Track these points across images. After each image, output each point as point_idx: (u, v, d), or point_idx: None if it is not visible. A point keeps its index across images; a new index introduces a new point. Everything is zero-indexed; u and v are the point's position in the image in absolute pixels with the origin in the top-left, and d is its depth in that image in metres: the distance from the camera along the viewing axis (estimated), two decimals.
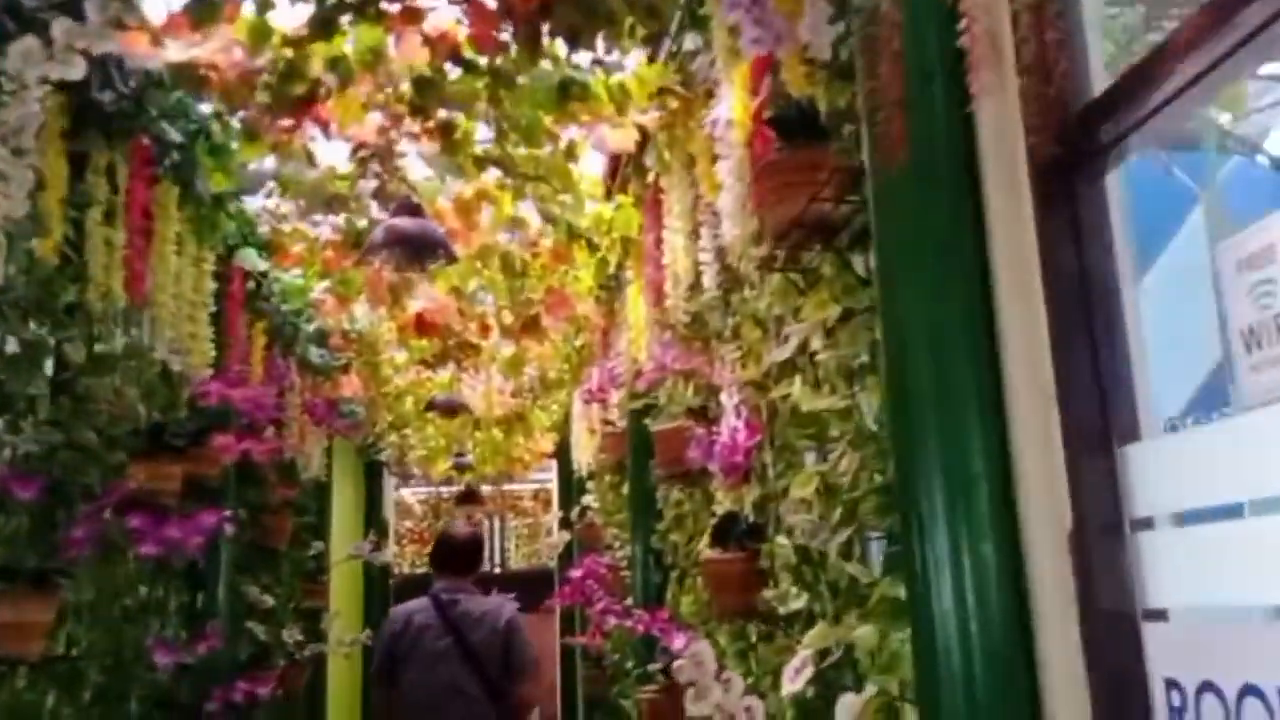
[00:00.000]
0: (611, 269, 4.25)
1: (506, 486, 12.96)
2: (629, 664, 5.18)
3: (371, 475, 10.04)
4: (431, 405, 5.88)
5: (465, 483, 10.61)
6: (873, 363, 1.87)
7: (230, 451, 3.46)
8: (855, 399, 1.92)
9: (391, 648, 4.30)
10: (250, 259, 3.94)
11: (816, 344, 2.09)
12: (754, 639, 2.80)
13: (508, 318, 4.63)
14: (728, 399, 2.74)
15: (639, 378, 3.73)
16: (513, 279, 4.24)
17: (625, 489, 5.16)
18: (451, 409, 5.90)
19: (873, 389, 1.86)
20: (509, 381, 5.97)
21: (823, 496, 2.10)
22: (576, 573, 5.16)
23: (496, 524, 16.52)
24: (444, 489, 14.15)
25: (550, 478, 13.89)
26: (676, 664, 2.51)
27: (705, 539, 2.98)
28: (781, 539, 2.38)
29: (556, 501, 10.93)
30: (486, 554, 16.57)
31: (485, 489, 12.24)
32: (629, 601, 4.84)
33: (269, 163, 3.37)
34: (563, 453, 9.91)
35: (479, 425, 6.91)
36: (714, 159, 2.33)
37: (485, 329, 4.75)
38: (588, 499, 6.50)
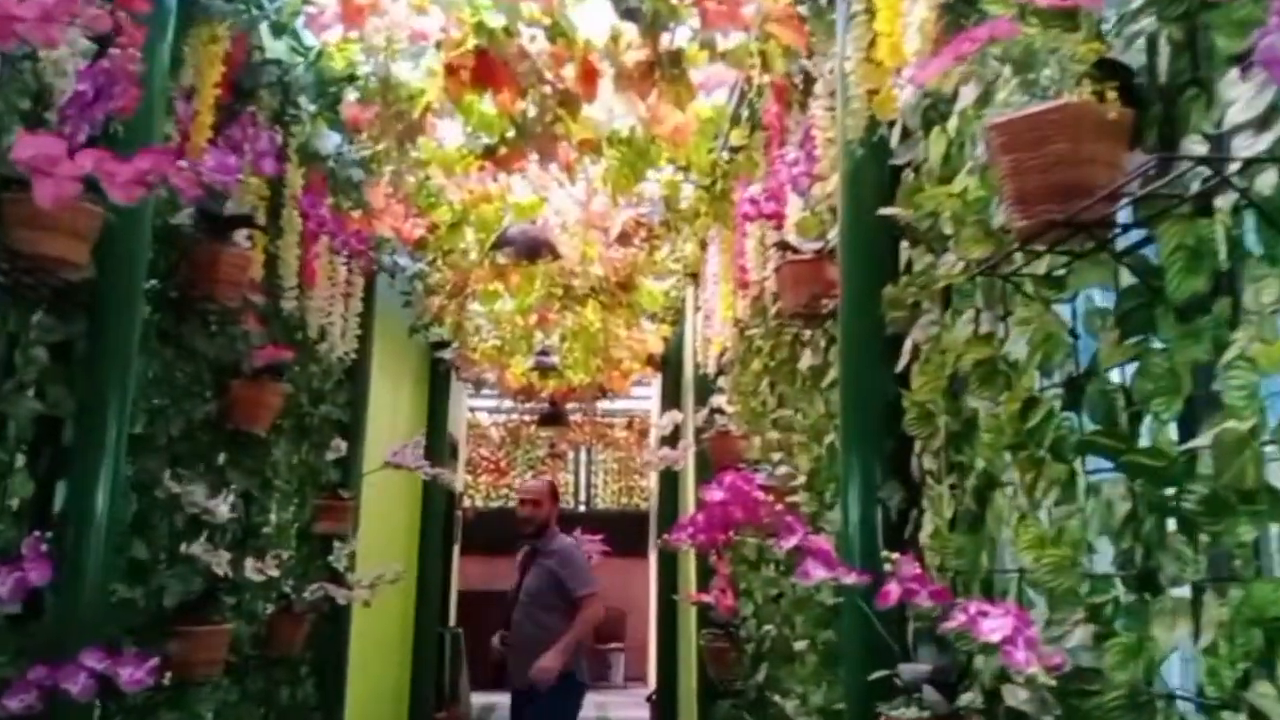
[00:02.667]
0: None
1: (600, 409, 11.08)
2: (797, 638, 3.24)
3: (436, 380, 8.22)
4: (502, 242, 3.96)
5: (550, 396, 8.76)
6: None
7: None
8: None
9: None
10: None
11: None
12: None
13: (627, 52, 2.65)
14: None
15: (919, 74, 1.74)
16: None
17: (809, 363, 3.17)
18: (532, 249, 3.99)
19: None
20: (615, 211, 4.01)
21: None
22: (714, 494, 3.19)
23: (583, 456, 14.75)
24: (522, 411, 12.36)
25: (648, 401, 11.95)
26: None
27: None
28: None
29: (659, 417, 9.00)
30: (571, 491, 14.92)
31: (573, 415, 10.39)
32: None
33: None
34: (670, 359, 7.96)
35: (569, 294, 4.97)
36: None
37: (589, 74, 2.77)
38: (718, 401, 4.53)
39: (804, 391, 3.28)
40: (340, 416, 4.83)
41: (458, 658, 10.19)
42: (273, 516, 3.98)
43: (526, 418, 12.23)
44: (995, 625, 1.56)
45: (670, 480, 8.55)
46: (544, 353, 6.82)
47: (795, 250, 2.89)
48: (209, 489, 3.02)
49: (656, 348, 6.76)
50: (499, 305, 5.57)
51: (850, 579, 1.99)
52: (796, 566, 3.09)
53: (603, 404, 10.58)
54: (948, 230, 2.03)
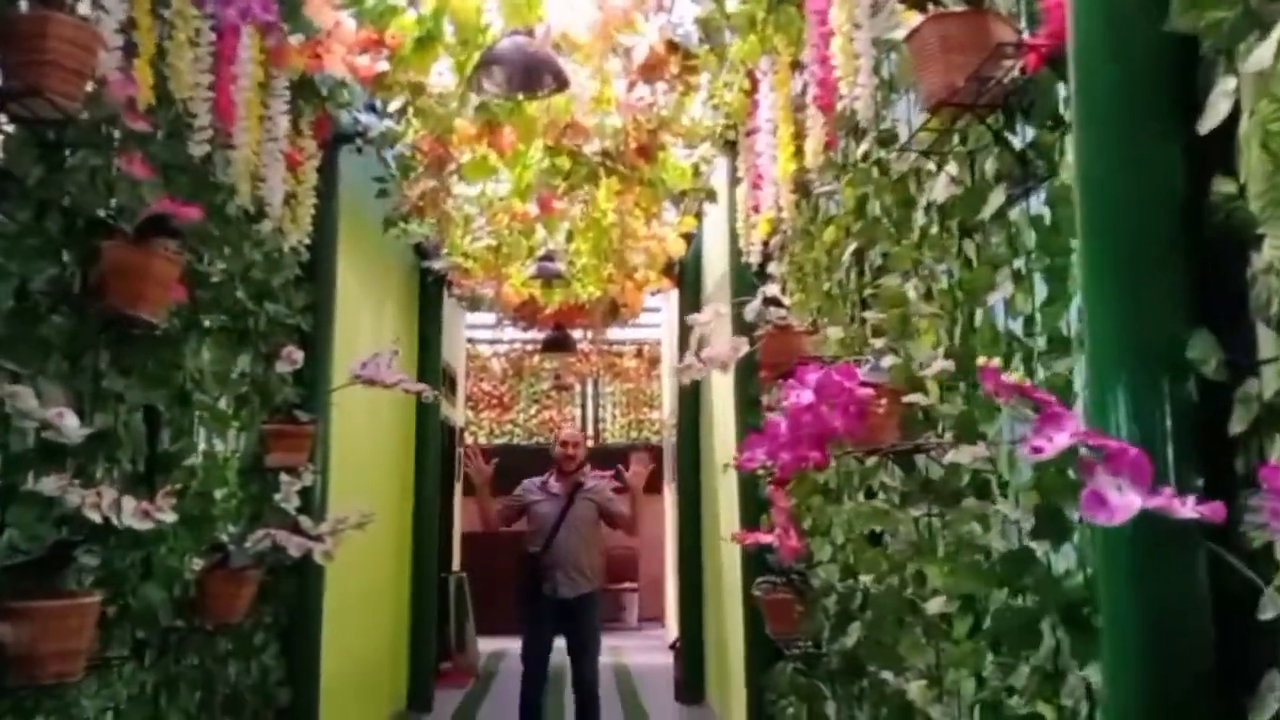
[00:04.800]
0: None
1: (607, 337, 10.07)
2: (928, 595, 2.29)
3: (426, 298, 7.21)
4: (489, 60, 2.90)
5: (553, 316, 7.77)
6: None
7: None
8: None
9: None
10: None
11: None
12: None
13: None
14: None
15: None
16: None
17: (945, 193, 2.17)
18: (529, 72, 2.92)
19: None
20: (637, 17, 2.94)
21: None
22: (798, 396, 2.23)
23: (590, 389, 13.77)
24: (525, 342, 11.32)
25: (658, 329, 10.95)
26: None
27: None
28: None
29: (673, 341, 7.97)
30: (579, 425, 13.97)
31: (581, 343, 9.38)
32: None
33: None
34: (689, 270, 6.97)
35: (576, 165, 3.92)
36: None
37: None
38: (769, 290, 3.51)
39: (938, 242, 2.27)
40: (296, 321, 3.83)
41: (463, 603, 9.33)
42: (199, 444, 3.01)
43: (529, 346, 11.24)
44: None
45: (691, 407, 7.58)
46: (547, 257, 5.79)
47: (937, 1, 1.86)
48: (69, 397, 2.04)
49: (677, 250, 5.72)
50: (490, 188, 4.54)
51: (1187, 509, 1.00)
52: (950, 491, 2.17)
53: (611, 331, 9.59)
54: None
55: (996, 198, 2.00)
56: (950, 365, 2.16)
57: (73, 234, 2.18)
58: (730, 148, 4.23)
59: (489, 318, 9.19)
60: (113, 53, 2.20)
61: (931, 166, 2.32)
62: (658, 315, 10.43)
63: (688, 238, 5.70)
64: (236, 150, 2.83)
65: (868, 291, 2.73)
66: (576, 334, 8.71)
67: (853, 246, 2.79)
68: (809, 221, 3.32)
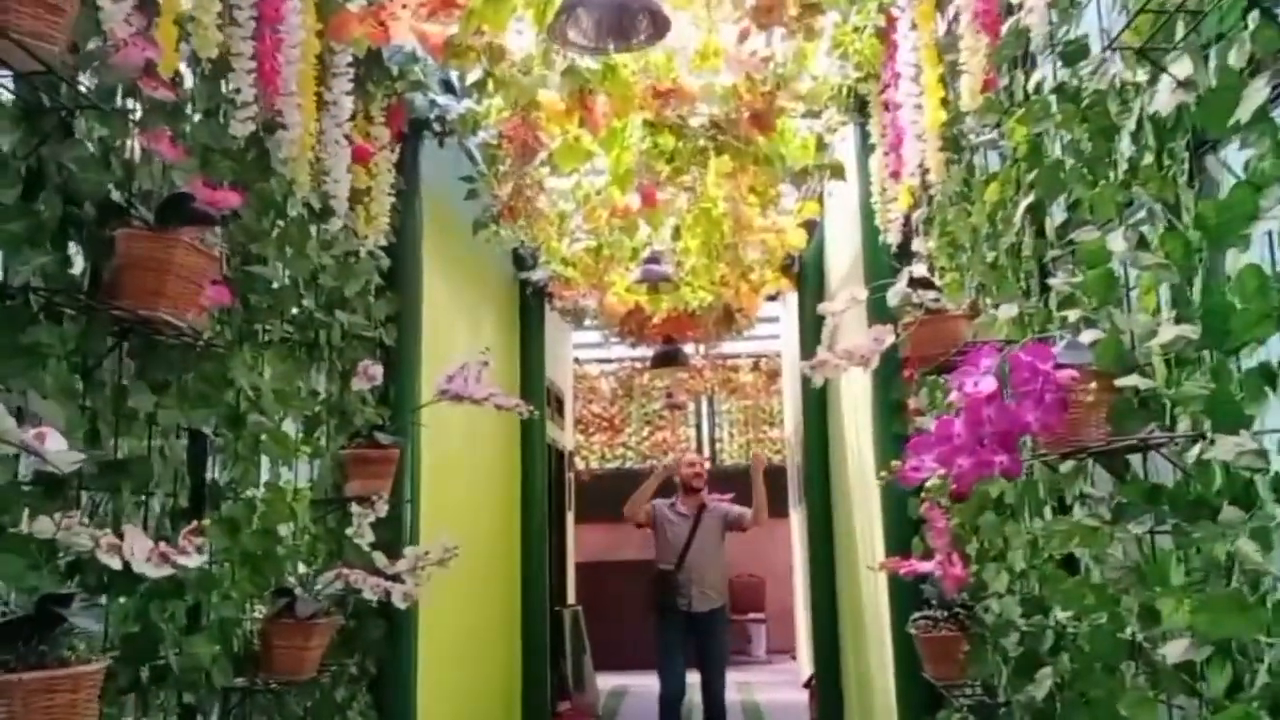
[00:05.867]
0: None
1: (722, 350, 9.54)
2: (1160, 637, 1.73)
3: (527, 312, 6.84)
4: (571, 5, 2.46)
5: (662, 329, 7.33)
6: None
7: None
8: None
9: None
10: None
11: None
12: None
13: None
14: None
15: None
16: None
17: (1171, 100, 1.63)
18: (620, 16, 2.48)
19: None
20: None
21: None
22: (974, 385, 1.71)
23: (704, 407, 13.24)
24: (634, 360, 10.87)
25: (777, 338, 10.38)
26: None
27: None
28: None
29: (794, 351, 7.39)
30: (694, 446, 13.46)
31: (693, 357, 8.87)
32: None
33: None
34: (809, 268, 6.45)
35: (682, 142, 3.45)
36: None
37: None
38: (918, 270, 2.97)
39: (1154, 174, 1.73)
40: (376, 335, 3.45)
41: (579, 639, 8.87)
42: (260, 472, 2.62)
43: (639, 364, 10.79)
44: None
45: (817, 419, 7.00)
46: (652, 259, 5.33)
47: None
48: (72, 417, 1.65)
49: (798, 242, 5.20)
50: (587, 181, 4.11)
51: None
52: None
53: (726, 344, 9.06)
54: None
55: (1255, 94, 1.46)
56: (1190, 331, 1.61)
57: (75, 219, 1.80)
58: (861, 109, 3.70)
59: (595, 336, 8.79)
60: (120, 2, 1.83)
61: (1142, 77, 1.78)
62: (775, 326, 9.88)
63: (809, 227, 5.17)
64: (289, 132, 2.44)
65: (1051, 254, 2.18)
66: (688, 348, 8.24)
67: (1027, 201, 2.25)
68: (963, 182, 2.78)
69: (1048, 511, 2.28)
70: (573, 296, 6.10)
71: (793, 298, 7.66)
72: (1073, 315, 1.97)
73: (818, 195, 4.77)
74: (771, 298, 7.36)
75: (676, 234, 4.82)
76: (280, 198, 2.63)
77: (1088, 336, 1.85)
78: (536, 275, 5.83)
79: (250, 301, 2.50)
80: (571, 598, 9.66)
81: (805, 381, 7.53)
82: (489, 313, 5.93)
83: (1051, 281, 2.13)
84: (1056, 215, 2.18)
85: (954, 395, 1.90)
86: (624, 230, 4.39)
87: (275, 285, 2.65)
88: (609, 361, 12.29)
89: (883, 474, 2.98)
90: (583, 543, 11.16)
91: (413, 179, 3.70)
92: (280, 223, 2.68)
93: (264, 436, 2.57)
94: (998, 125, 2.51)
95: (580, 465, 12.52)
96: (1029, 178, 2.27)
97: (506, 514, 6.68)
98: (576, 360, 11.39)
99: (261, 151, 2.52)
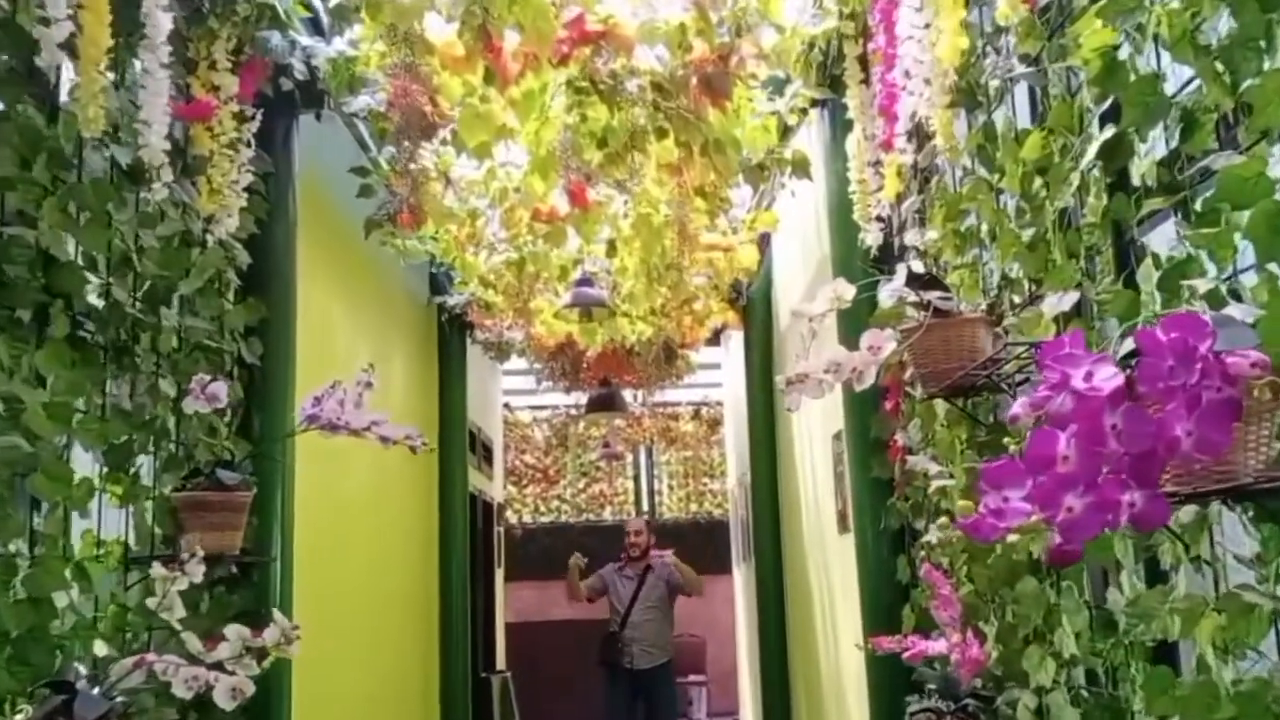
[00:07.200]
0: None
1: (662, 398, 8.86)
2: None
3: (447, 348, 6.10)
4: None
5: (598, 371, 6.69)
6: None
7: None
8: None
9: None
10: None
11: None
12: None
13: None
14: None
15: None
16: None
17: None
18: None
19: None
20: None
21: None
22: (1093, 382, 1.02)
23: (643, 459, 12.50)
24: (568, 407, 10.12)
25: (718, 386, 9.72)
26: None
27: None
28: None
29: (737, 398, 6.68)
30: (631, 500, 12.75)
31: (631, 405, 8.18)
32: None
33: None
34: (756, 302, 5.87)
35: (614, 104, 2.75)
36: None
37: None
38: (916, 266, 2.32)
39: None
40: (230, 347, 2.71)
41: (508, 708, 7.99)
42: (32, 520, 1.86)
43: (574, 410, 10.05)
44: None
45: (766, 466, 6.34)
46: (584, 282, 4.65)
47: None
48: None
49: (749, 262, 4.56)
50: (500, 169, 3.40)
51: None
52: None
53: (666, 392, 8.39)
54: None
55: None
56: None
57: None
58: (834, 86, 3.08)
59: (527, 381, 8.08)
60: None
61: None
62: (717, 373, 9.26)
63: (761, 245, 4.54)
64: (54, 30, 1.72)
65: (1147, 209, 1.52)
66: (626, 394, 7.57)
67: (1103, 139, 1.59)
68: (979, 148, 2.14)
69: (1135, 578, 1.61)
70: (496, 326, 5.38)
71: (737, 340, 7.07)
72: (1202, 285, 1.31)
73: (772, 203, 4.14)
74: (714, 339, 6.74)
75: (612, 249, 4.15)
76: (64, 140, 1.90)
77: (1243, 311, 1.20)
78: (453, 300, 5.11)
79: (5, 275, 1.76)
80: (501, 663, 8.80)
81: (751, 427, 6.92)
82: (399, 341, 5.19)
83: (1183, 231, 1.47)
84: (1147, 152, 1.54)
85: (1018, 410, 1.26)
86: (549, 239, 3.69)
87: (56, 258, 1.91)
88: (542, 408, 11.54)
89: (942, 526, 2.30)
90: (514, 602, 10.34)
91: (285, 161, 3.00)
92: (67, 177, 1.95)
93: (27, 471, 1.81)
94: (1037, 59, 1.88)
95: (512, 519, 11.71)
96: (1100, 109, 1.63)
97: (422, 571, 5.88)
98: (507, 406, 10.64)
99: (27, 69, 1.80)
